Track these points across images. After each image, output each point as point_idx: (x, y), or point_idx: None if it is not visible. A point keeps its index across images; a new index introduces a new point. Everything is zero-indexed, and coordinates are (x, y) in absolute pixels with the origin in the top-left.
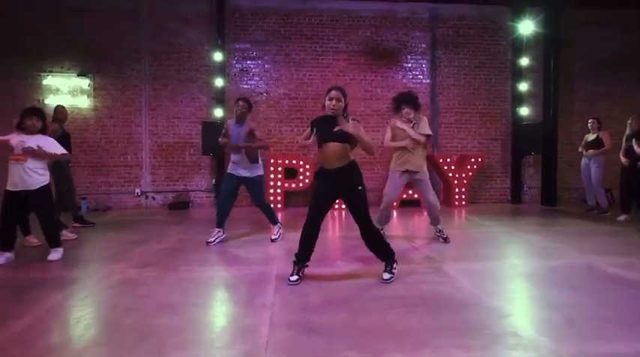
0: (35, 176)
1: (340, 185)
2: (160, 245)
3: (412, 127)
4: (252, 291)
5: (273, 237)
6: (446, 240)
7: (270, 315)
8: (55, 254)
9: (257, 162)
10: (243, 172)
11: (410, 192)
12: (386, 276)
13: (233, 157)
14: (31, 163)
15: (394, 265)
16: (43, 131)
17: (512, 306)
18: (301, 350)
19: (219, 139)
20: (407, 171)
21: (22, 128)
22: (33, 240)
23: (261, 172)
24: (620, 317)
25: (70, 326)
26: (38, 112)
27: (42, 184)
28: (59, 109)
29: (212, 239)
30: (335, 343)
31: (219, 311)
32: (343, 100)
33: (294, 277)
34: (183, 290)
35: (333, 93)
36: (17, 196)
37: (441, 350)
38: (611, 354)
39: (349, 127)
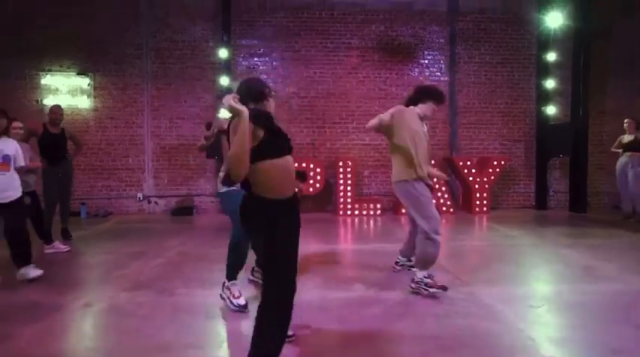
0: (15, 186)
1: (296, 223)
2: (158, 259)
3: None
4: None
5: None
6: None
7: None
8: (35, 271)
9: None
10: None
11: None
12: None
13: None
14: (12, 173)
15: None
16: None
17: (574, 352)
18: None
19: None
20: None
21: None
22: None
23: None
24: None
25: None
26: None
27: (19, 195)
28: (50, 109)
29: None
30: None
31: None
32: None
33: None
34: (180, 323)
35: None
36: None
37: None
38: None
39: None
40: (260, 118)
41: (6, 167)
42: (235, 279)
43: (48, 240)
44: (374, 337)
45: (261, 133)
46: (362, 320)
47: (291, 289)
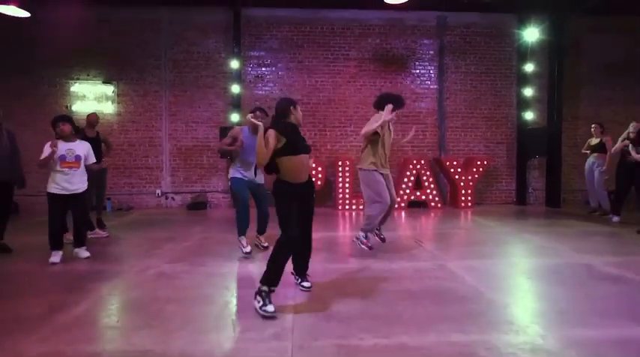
0: (83, 180)
1: (307, 198)
2: (185, 243)
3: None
4: None
5: (264, 245)
6: (384, 240)
7: (294, 304)
8: (86, 252)
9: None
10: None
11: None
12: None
13: (244, 168)
14: (82, 169)
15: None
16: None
17: (509, 298)
18: (323, 333)
19: (224, 142)
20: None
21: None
22: (70, 237)
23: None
24: (605, 309)
25: (122, 312)
26: (65, 117)
27: (85, 188)
28: (88, 116)
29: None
30: (351, 328)
31: (248, 302)
32: None
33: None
34: (213, 283)
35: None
36: (64, 198)
37: (443, 334)
38: (592, 339)
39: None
40: (281, 128)
41: (77, 165)
42: (244, 235)
43: (90, 227)
44: (362, 290)
45: (284, 139)
46: (355, 280)
47: (293, 240)
